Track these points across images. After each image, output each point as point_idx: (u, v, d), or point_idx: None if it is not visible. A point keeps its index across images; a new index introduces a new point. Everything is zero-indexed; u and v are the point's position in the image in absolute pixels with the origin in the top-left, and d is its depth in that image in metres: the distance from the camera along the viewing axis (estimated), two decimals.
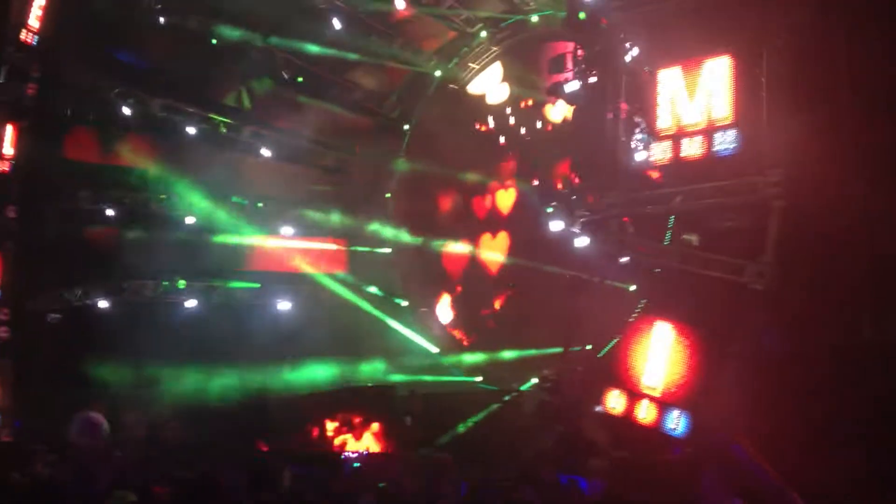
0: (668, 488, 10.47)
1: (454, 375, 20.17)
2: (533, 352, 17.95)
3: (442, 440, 16.36)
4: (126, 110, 18.81)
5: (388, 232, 21.92)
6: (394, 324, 21.28)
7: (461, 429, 16.81)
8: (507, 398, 17.37)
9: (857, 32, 11.55)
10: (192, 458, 13.74)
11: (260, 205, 21.15)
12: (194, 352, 17.70)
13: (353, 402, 18.02)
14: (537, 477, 10.67)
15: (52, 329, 17.91)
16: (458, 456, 12.15)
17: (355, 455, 16.55)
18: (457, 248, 21.43)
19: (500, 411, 16.96)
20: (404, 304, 22.03)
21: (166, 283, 19.64)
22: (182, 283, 19.65)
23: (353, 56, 20.31)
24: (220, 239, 19.91)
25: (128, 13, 18.26)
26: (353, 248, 22.36)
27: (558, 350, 15.44)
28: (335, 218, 21.36)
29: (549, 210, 13.94)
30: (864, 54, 11.45)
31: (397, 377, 19.44)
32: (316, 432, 17.87)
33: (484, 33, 20.87)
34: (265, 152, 21.04)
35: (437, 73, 21.82)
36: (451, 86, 21.95)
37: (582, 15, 15.06)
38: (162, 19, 18.60)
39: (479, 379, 19.56)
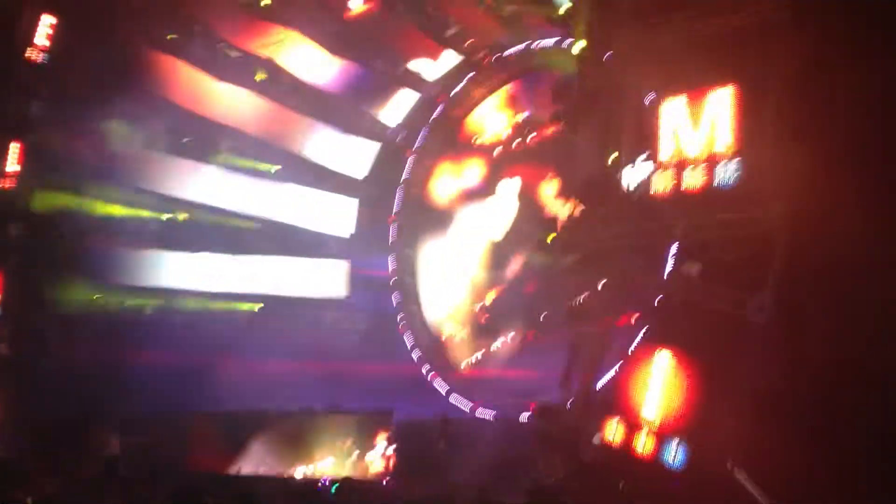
0: None
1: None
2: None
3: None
4: (131, 130, 18.92)
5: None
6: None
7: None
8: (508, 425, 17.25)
9: (859, 64, 11.59)
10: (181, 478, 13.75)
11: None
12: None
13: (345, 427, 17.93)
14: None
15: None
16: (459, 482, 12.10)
17: (333, 480, 16.33)
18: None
19: (501, 438, 16.81)
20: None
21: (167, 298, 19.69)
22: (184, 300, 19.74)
23: None
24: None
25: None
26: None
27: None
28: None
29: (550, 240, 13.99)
30: (865, 85, 11.48)
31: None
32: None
33: (489, 60, 20.96)
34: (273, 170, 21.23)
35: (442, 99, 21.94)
36: (455, 112, 22.03)
37: (584, 45, 15.25)
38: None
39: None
